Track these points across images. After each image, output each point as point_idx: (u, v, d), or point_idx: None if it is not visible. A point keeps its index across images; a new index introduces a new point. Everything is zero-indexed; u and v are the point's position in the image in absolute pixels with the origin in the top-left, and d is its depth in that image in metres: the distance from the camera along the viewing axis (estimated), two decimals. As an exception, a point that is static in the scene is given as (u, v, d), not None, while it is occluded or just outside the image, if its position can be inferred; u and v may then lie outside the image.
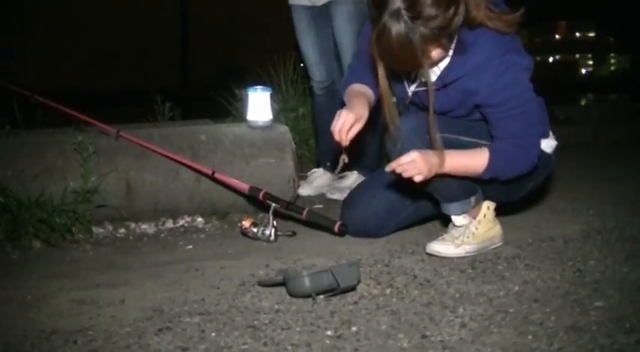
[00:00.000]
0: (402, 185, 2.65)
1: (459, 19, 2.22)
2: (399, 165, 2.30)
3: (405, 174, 2.31)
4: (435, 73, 2.42)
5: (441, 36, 2.22)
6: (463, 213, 2.58)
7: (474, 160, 2.42)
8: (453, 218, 2.60)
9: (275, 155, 3.21)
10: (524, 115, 2.38)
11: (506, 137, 2.40)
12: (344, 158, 2.53)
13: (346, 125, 2.44)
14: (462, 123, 2.52)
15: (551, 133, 2.68)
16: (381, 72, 2.34)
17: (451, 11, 2.19)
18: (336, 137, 2.45)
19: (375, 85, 2.51)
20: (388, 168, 2.35)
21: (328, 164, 3.74)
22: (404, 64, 2.32)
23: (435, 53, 2.27)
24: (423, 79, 2.35)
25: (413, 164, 2.29)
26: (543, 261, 2.47)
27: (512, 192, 2.69)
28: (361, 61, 2.63)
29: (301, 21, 3.76)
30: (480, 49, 2.33)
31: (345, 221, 2.81)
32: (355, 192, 3.00)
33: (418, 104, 2.58)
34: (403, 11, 2.14)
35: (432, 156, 2.32)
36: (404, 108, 2.61)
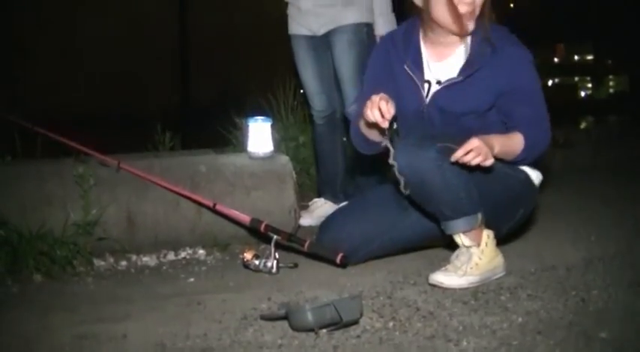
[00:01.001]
0: (382, 210, 2.83)
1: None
2: (465, 153, 2.35)
3: (475, 161, 2.36)
4: (453, 68, 2.65)
5: None
6: (471, 229, 2.55)
7: (513, 140, 2.57)
8: (461, 238, 2.57)
9: (276, 186, 3.22)
10: (537, 97, 2.65)
11: (527, 119, 2.59)
12: (385, 142, 2.51)
13: (382, 100, 2.45)
14: None
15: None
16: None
17: None
18: (376, 116, 2.44)
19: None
20: (454, 158, 2.38)
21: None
22: None
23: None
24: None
25: (478, 149, 2.36)
26: (546, 291, 2.45)
27: (503, 218, 2.72)
28: (370, 88, 2.67)
29: (301, 50, 3.77)
30: (497, 39, 2.62)
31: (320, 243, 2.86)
32: (331, 217, 3.04)
33: (434, 115, 2.66)
34: None
35: (487, 139, 2.44)
36: (407, 131, 2.62)
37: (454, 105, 2.62)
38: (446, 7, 2.57)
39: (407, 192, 2.53)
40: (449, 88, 2.63)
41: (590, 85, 47.30)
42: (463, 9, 2.57)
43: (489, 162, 2.38)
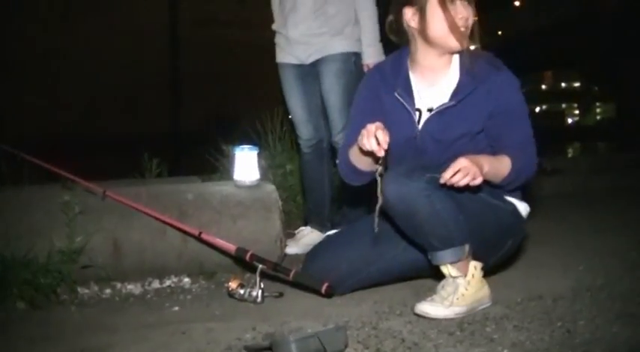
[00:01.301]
0: (369, 240, 2.79)
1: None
2: (454, 173, 2.35)
3: (464, 181, 2.36)
4: (444, 94, 2.67)
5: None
6: (458, 260, 2.54)
7: (501, 162, 2.57)
8: (448, 268, 2.56)
9: (262, 215, 3.21)
10: (525, 121, 2.67)
11: (514, 143, 2.61)
12: (379, 170, 2.50)
13: (379, 129, 2.45)
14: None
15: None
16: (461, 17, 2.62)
17: None
18: (373, 145, 2.43)
19: None
20: (442, 180, 2.38)
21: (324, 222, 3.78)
22: None
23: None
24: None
25: (466, 170, 2.35)
26: (532, 322, 2.44)
27: (492, 249, 2.72)
28: (359, 120, 2.68)
29: (289, 79, 3.78)
30: (486, 63, 2.66)
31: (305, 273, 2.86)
32: (318, 247, 3.04)
33: (427, 142, 2.66)
34: None
35: (476, 159, 2.44)
36: (398, 160, 2.62)
37: (447, 130, 2.63)
38: (444, 20, 2.60)
39: (376, 230, 2.57)
40: (441, 113, 2.65)
41: (577, 112, 47.63)
42: (459, 23, 2.60)
43: (478, 180, 2.38)
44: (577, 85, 46.28)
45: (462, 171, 2.35)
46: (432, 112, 2.67)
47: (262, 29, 4.12)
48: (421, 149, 2.68)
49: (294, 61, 3.72)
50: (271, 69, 3.94)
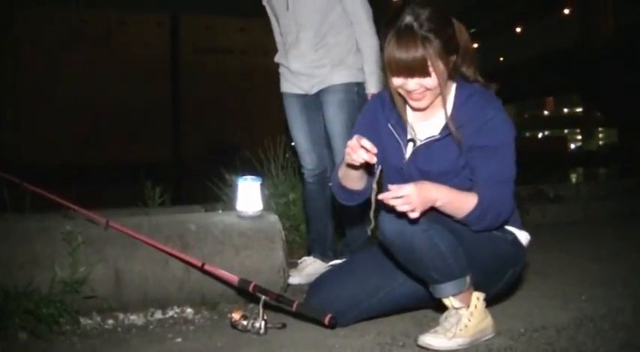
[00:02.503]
0: (370, 272, 2.83)
1: (456, 46, 2.55)
2: (392, 197, 2.30)
3: (400, 209, 2.31)
4: (437, 127, 2.63)
5: (443, 51, 2.47)
6: (460, 292, 2.54)
7: (465, 198, 2.48)
8: (450, 300, 2.56)
9: (265, 245, 3.20)
10: (504, 161, 2.56)
11: (487, 178, 2.53)
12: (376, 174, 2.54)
13: (358, 139, 2.43)
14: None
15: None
16: (394, 84, 2.55)
17: (449, 31, 2.52)
18: (362, 155, 2.41)
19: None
20: (382, 196, 2.34)
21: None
22: (414, 66, 2.46)
23: (439, 68, 2.48)
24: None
25: (407, 199, 2.30)
26: (536, 353, 2.44)
27: (492, 279, 2.70)
28: None
29: (293, 108, 3.80)
30: (477, 98, 2.60)
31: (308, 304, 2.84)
32: (320, 279, 3.03)
33: (413, 173, 2.64)
34: (414, 22, 2.45)
35: (428, 190, 2.38)
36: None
37: (431, 163, 2.61)
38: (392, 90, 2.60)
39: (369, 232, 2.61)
40: (428, 146, 2.64)
41: (579, 137, 47.74)
42: (398, 92, 2.59)
43: (414, 215, 2.32)
44: (579, 110, 46.42)
45: (404, 199, 2.30)
46: (419, 144, 2.67)
47: (264, 56, 4.15)
48: (408, 180, 2.64)
49: (299, 91, 3.75)
50: (275, 95, 3.96)
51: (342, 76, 3.65)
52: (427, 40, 2.43)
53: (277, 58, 3.88)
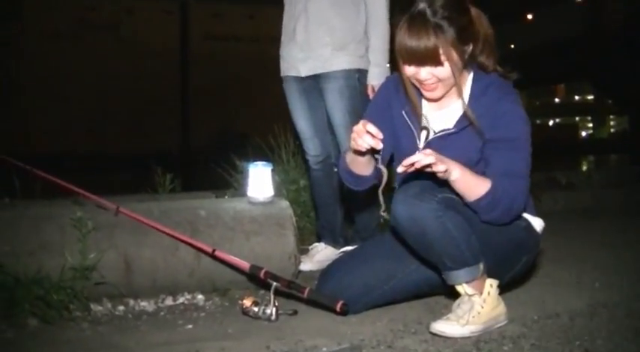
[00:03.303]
0: (382, 259, 2.81)
1: (472, 35, 2.51)
2: (414, 160, 2.26)
3: (421, 163, 2.25)
4: (452, 118, 2.60)
5: (457, 40, 2.44)
6: (473, 279, 2.52)
7: (479, 181, 2.44)
8: (463, 287, 2.54)
9: (276, 231, 3.18)
10: (519, 154, 2.52)
11: (500, 170, 2.48)
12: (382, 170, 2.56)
13: (365, 124, 2.40)
14: None
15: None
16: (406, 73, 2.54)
17: (464, 19, 2.48)
18: (368, 141, 2.39)
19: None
20: (400, 168, 2.30)
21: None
22: (425, 55, 2.43)
23: (452, 58, 2.44)
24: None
25: (430, 157, 2.27)
26: (549, 341, 2.41)
27: (505, 267, 2.68)
28: None
29: (293, 93, 3.76)
30: (494, 89, 2.56)
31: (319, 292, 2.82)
32: (331, 266, 3.02)
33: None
34: (427, 9, 2.43)
35: (444, 156, 2.35)
36: (404, 177, 2.58)
37: (447, 155, 2.48)
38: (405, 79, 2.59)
39: (384, 214, 2.60)
40: (443, 138, 2.61)
41: (590, 125, 47.60)
42: (410, 80, 2.57)
43: (442, 167, 2.29)
44: (590, 97, 46.25)
45: (423, 157, 2.27)
46: (434, 136, 2.64)
47: (273, 43, 4.11)
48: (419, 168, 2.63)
49: (296, 74, 3.69)
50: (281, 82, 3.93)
51: (342, 62, 3.59)
52: (440, 28, 2.41)
53: (281, 44, 3.82)
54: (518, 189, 2.49)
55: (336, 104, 3.60)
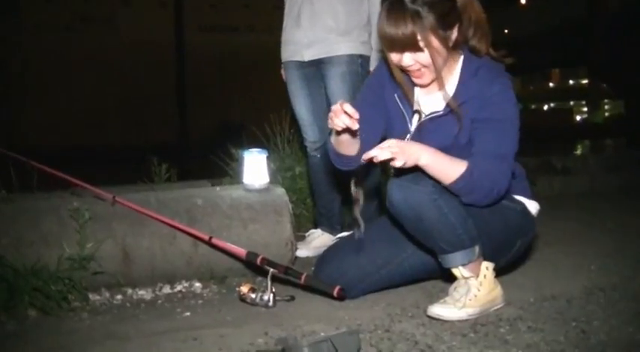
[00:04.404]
0: (379, 244, 2.83)
1: (454, 20, 2.49)
2: (373, 155, 2.30)
3: (380, 157, 2.29)
4: (441, 101, 2.57)
5: (438, 26, 2.43)
6: (469, 262, 2.54)
7: (454, 163, 2.43)
8: (460, 270, 2.55)
9: (272, 218, 3.19)
10: (504, 135, 2.50)
11: (482, 150, 2.47)
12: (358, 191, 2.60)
13: (342, 104, 2.42)
14: None
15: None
16: (392, 60, 2.54)
17: (446, 4, 2.46)
18: (345, 121, 2.41)
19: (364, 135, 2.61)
20: (364, 157, 2.34)
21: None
22: (404, 41, 2.43)
23: (432, 44, 2.43)
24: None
25: (389, 148, 2.30)
26: (546, 322, 2.43)
27: (501, 250, 2.69)
28: (359, 107, 2.62)
29: (294, 79, 3.76)
30: (484, 71, 2.55)
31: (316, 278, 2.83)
32: (328, 251, 3.03)
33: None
34: None
35: (412, 144, 2.40)
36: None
37: (434, 138, 2.54)
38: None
39: (360, 236, 2.72)
40: (432, 120, 2.61)
41: (585, 109, 47.54)
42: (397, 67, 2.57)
43: (396, 163, 2.31)
44: (585, 81, 46.18)
45: (386, 148, 2.30)
46: (425, 118, 2.63)
47: (269, 32, 4.11)
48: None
49: (299, 58, 3.69)
50: (278, 71, 3.93)
51: (346, 48, 3.60)
52: (417, 14, 2.40)
53: (283, 30, 3.81)
54: (500, 170, 2.47)
55: (338, 89, 3.60)
